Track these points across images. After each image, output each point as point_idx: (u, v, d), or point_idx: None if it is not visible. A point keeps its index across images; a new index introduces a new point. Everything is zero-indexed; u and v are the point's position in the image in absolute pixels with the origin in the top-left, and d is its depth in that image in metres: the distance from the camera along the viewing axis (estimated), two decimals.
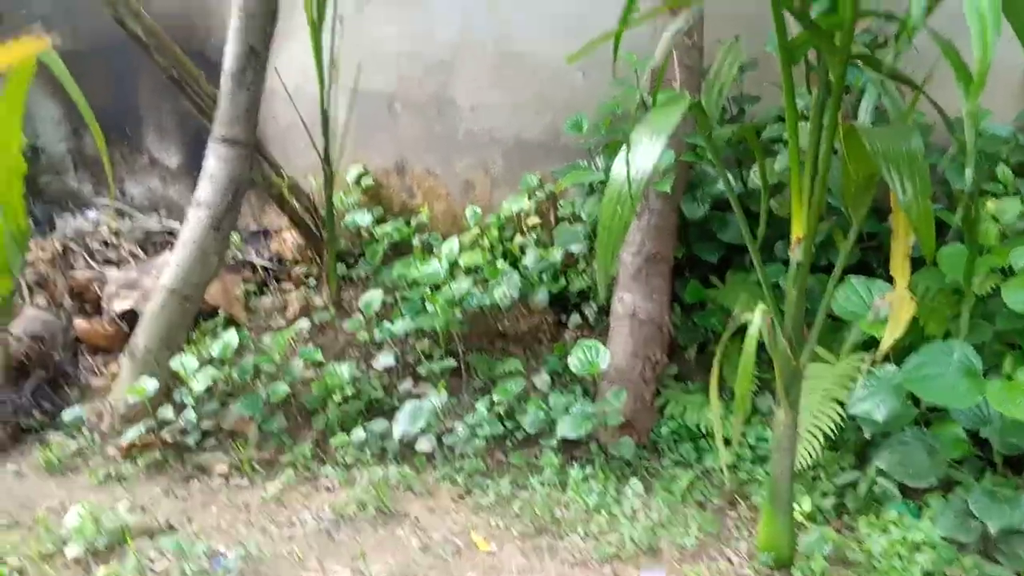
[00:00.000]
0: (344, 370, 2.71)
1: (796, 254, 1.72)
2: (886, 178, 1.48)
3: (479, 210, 3.27)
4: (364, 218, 3.39)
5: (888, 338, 1.84)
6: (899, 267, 1.80)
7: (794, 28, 1.59)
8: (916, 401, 2.22)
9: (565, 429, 2.45)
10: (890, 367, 2.21)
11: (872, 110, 1.84)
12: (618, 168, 1.60)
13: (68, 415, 2.72)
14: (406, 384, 2.82)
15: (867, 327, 2.22)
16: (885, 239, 2.34)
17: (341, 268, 3.32)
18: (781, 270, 2.54)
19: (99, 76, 3.65)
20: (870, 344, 2.30)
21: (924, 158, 1.50)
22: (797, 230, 1.67)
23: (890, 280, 1.84)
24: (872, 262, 2.58)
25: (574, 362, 2.55)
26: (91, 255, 3.33)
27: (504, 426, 2.60)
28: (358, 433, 2.61)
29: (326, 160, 3.00)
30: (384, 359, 2.83)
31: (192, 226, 2.75)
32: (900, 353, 2.15)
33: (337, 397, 2.70)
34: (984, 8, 1.11)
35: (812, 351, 1.86)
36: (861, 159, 1.60)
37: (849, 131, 1.57)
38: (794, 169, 1.63)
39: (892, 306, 1.79)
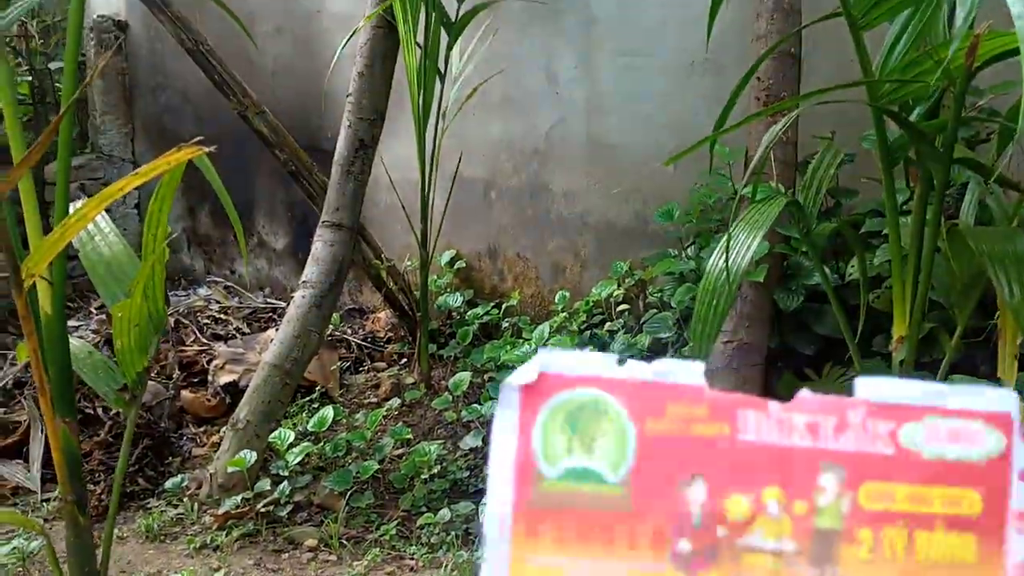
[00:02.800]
0: (432, 449, 2.76)
1: (898, 353, 1.69)
2: (992, 279, 1.46)
3: (568, 294, 3.33)
4: (456, 300, 3.49)
5: None
6: (1007, 368, 1.74)
7: (893, 127, 1.61)
8: None
9: None
10: None
11: (975, 206, 1.83)
12: (714, 261, 1.64)
13: (170, 483, 2.84)
14: None
15: None
16: (991, 334, 2.26)
17: (432, 348, 3.41)
18: (881, 365, 2.48)
19: (218, 162, 3.93)
20: None
21: None
22: (899, 329, 1.65)
23: (995, 377, 1.78)
24: (977, 358, 2.49)
25: None
26: (201, 330, 3.53)
27: None
28: (444, 513, 2.63)
29: (423, 244, 3.12)
30: (471, 440, 2.87)
31: (297, 304, 2.89)
32: None
33: (424, 476, 2.74)
34: None
35: None
36: (966, 258, 1.58)
37: (953, 231, 1.56)
38: (896, 268, 1.62)
39: None
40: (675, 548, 0.31)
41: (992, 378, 1.93)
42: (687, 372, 0.34)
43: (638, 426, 0.33)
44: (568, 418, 0.33)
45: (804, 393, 0.34)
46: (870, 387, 0.34)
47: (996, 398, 0.34)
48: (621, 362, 0.34)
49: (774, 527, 0.32)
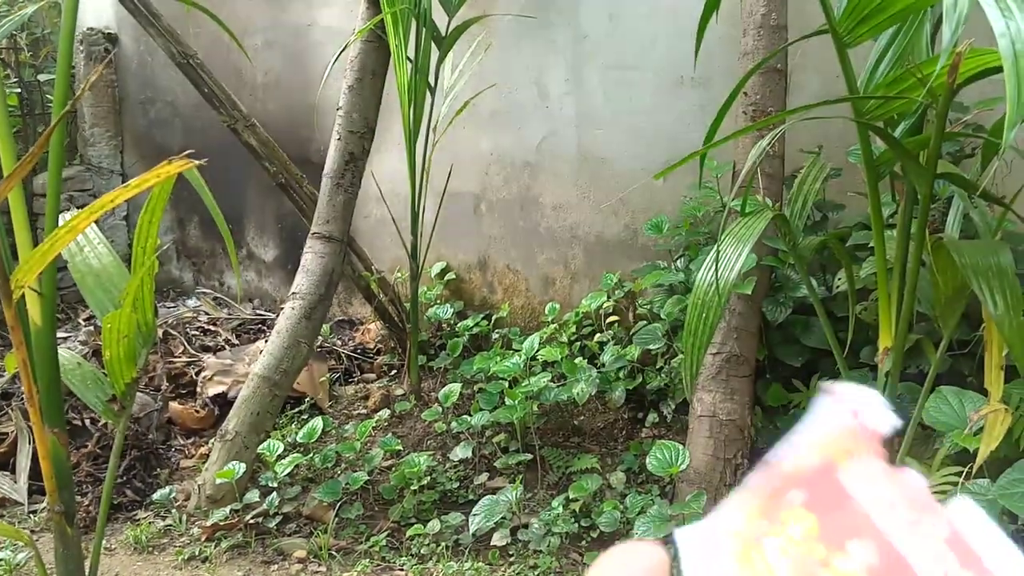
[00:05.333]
0: (421, 460, 2.76)
1: (884, 364, 1.71)
2: (976, 292, 1.48)
3: (558, 306, 3.34)
4: (446, 312, 3.50)
5: (983, 451, 1.79)
6: (993, 379, 1.76)
7: (878, 142, 1.64)
8: (1013, 517, 2.12)
9: (643, 531, 2.42)
10: (983, 481, 2.13)
11: (959, 220, 1.85)
12: (703, 274, 1.65)
13: (158, 494, 2.83)
14: (481, 477, 2.84)
15: (960, 439, 2.15)
16: (976, 346, 2.29)
17: (422, 359, 3.41)
18: (867, 376, 2.50)
19: (207, 175, 3.94)
20: (963, 455, 2.23)
21: (1015, 272, 1.50)
22: (885, 340, 1.67)
23: (982, 388, 1.80)
24: (963, 370, 2.51)
25: (653, 462, 2.54)
26: (189, 341, 3.52)
27: (579, 524, 2.59)
28: (433, 524, 2.63)
29: (413, 256, 3.13)
30: (461, 451, 2.86)
31: (286, 315, 2.89)
32: (996, 465, 2.07)
33: (414, 487, 2.74)
34: None
35: (903, 463, 1.82)
36: (950, 271, 1.60)
37: (938, 244, 1.58)
38: (881, 280, 1.64)
39: (987, 419, 1.75)
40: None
41: (979, 388, 1.95)
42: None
43: None
44: None
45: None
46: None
47: None
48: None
49: None
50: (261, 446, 2.78)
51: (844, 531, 0.31)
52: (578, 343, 3.24)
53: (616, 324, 3.21)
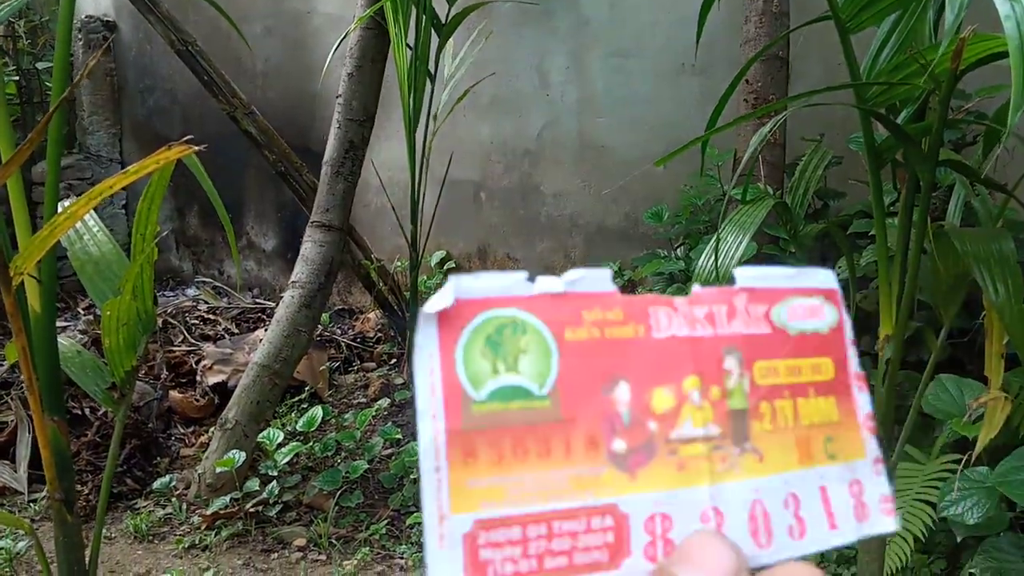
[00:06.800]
0: None
1: (884, 352, 1.71)
2: (977, 279, 1.48)
3: None
4: None
5: (982, 439, 1.78)
6: (993, 367, 1.76)
7: (880, 129, 1.63)
8: (1011, 505, 2.13)
9: None
10: (982, 469, 2.14)
11: (961, 208, 1.85)
12: (704, 262, 1.64)
13: (158, 483, 2.84)
14: None
15: (960, 427, 2.16)
16: (976, 335, 2.29)
17: None
18: (867, 364, 2.50)
19: (206, 163, 3.93)
20: (962, 443, 2.23)
21: (1016, 260, 1.49)
22: (886, 328, 1.66)
23: (981, 377, 1.80)
24: (963, 358, 2.52)
25: None
26: (189, 330, 3.52)
27: None
28: None
29: (413, 245, 3.12)
30: None
31: (286, 304, 2.89)
32: (996, 453, 2.08)
33: (413, 475, 2.75)
34: None
35: (903, 451, 1.82)
36: (951, 259, 1.60)
37: (939, 232, 1.58)
38: (882, 268, 1.64)
39: (986, 407, 1.75)
40: (610, 448, 0.32)
41: (979, 377, 1.95)
42: (597, 279, 0.34)
43: (558, 337, 0.33)
44: (488, 340, 0.32)
45: (697, 287, 0.36)
46: (746, 275, 0.37)
47: (824, 276, 0.39)
48: (531, 279, 0.34)
49: (699, 415, 0.33)
50: (261, 435, 2.78)
51: (712, 363, 0.35)
52: None
53: None
